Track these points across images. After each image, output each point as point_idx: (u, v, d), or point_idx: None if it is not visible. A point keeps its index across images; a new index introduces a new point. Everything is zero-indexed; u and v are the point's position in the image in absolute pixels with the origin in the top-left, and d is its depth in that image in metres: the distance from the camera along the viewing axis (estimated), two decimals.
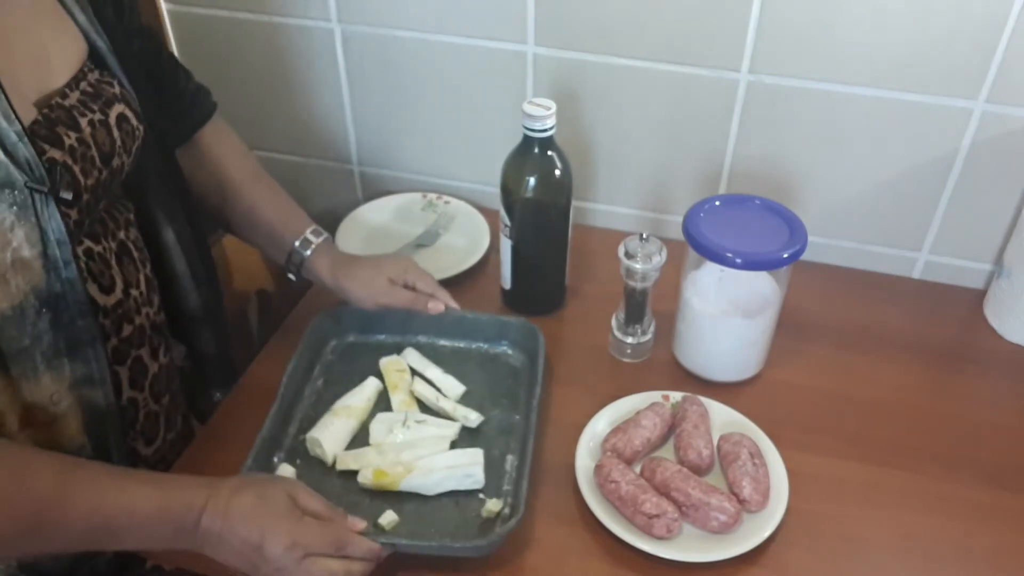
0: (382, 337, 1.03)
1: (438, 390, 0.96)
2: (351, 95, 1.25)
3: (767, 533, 0.80)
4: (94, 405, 0.76)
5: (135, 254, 0.84)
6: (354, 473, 0.86)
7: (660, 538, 0.79)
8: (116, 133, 0.77)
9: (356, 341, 1.03)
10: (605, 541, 0.81)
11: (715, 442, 0.89)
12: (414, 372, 0.98)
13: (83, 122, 0.73)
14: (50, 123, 0.70)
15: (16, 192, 0.65)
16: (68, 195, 0.69)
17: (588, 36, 1.10)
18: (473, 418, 0.92)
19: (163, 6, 1.24)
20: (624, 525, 0.81)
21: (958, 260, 1.14)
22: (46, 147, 0.69)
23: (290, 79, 1.26)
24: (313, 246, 0.99)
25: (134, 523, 0.68)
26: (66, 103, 0.73)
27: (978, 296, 1.13)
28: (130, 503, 0.68)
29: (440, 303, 1.00)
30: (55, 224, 0.68)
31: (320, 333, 1.01)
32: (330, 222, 1.21)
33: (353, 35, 1.19)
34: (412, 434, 0.89)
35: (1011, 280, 1.04)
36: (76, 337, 0.73)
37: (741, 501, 0.82)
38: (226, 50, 1.25)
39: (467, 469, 0.84)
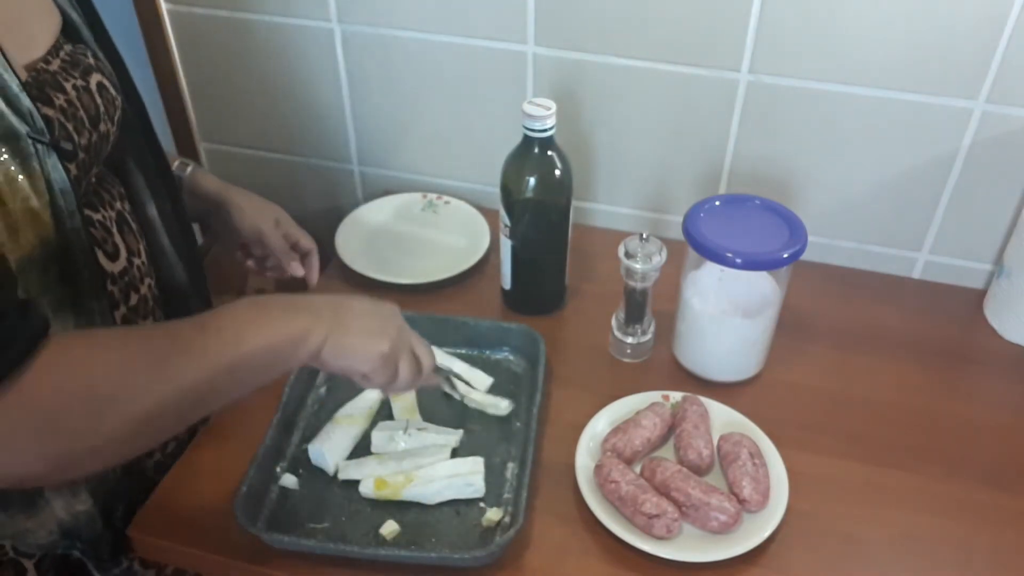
0: None
1: (467, 383, 0.96)
2: (351, 95, 1.25)
3: (767, 533, 0.80)
4: None
5: (134, 226, 0.85)
6: (356, 482, 0.86)
7: (660, 538, 0.79)
8: (98, 99, 0.78)
9: None
10: (605, 541, 0.81)
11: (715, 442, 0.89)
12: (438, 369, 0.98)
13: (67, 86, 0.75)
14: (39, 85, 0.72)
15: (20, 143, 0.66)
16: (68, 146, 0.71)
17: (588, 36, 1.10)
18: (504, 406, 0.93)
19: (163, 6, 1.24)
20: (624, 525, 0.81)
21: (958, 260, 1.14)
22: (39, 105, 0.70)
23: (290, 79, 1.26)
24: (191, 166, 1.01)
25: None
26: (50, 68, 0.74)
27: (978, 296, 1.13)
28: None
29: (301, 270, 1.05)
30: (58, 175, 0.69)
31: None
32: (330, 222, 1.21)
33: (353, 35, 1.19)
34: (413, 441, 0.89)
35: (1011, 280, 1.04)
36: (80, 289, 0.73)
37: (741, 501, 0.82)
38: (226, 50, 1.25)
39: (468, 478, 0.84)
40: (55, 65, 0.75)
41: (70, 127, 0.72)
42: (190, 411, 0.68)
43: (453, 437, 0.90)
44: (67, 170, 0.70)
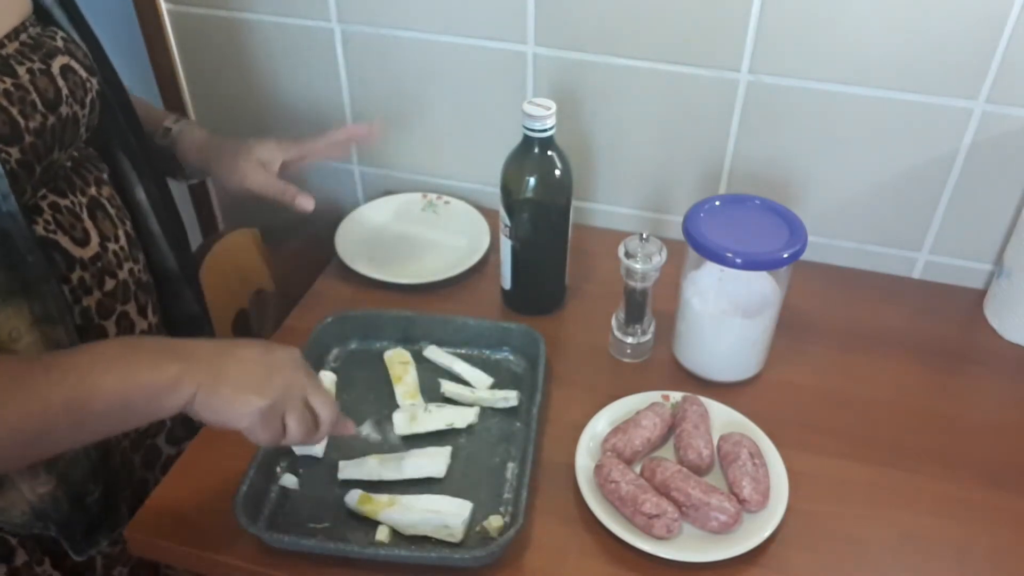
0: (384, 343, 1.03)
1: (467, 383, 0.97)
2: (351, 95, 1.25)
3: (767, 533, 0.80)
4: (58, 343, 0.76)
5: (111, 211, 0.84)
6: (356, 482, 0.86)
7: (660, 538, 0.79)
8: (61, 82, 0.77)
9: (358, 348, 1.02)
10: (605, 541, 0.81)
11: (715, 442, 0.89)
12: (440, 368, 1.00)
13: (20, 70, 0.74)
14: None
15: None
16: (4, 130, 0.70)
17: (588, 36, 1.10)
18: (513, 396, 0.94)
19: (163, 6, 1.24)
20: (624, 525, 0.81)
21: (958, 260, 1.14)
22: None
23: (290, 79, 1.26)
24: (174, 128, 1.00)
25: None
26: (2, 52, 0.74)
27: (978, 296, 1.13)
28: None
29: (311, 200, 0.97)
30: None
31: (322, 341, 1.00)
32: (330, 222, 1.21)
33: (353, 35, 1.19)
34: (434, 419, 0.91)
35: (1011, 280, 1.04)
36: (28, 273, 0.73)
37: (741, 501, 0.82)
38: (226, 50, 1.25)
39: (447, 519, 0.81)
40: (10, 49, 0.74)
41: (14, 111, 0.72)
42: (30, 449, 0.66)
43: (471, 412, 0.92)
44: (3, 153, 0.70)
